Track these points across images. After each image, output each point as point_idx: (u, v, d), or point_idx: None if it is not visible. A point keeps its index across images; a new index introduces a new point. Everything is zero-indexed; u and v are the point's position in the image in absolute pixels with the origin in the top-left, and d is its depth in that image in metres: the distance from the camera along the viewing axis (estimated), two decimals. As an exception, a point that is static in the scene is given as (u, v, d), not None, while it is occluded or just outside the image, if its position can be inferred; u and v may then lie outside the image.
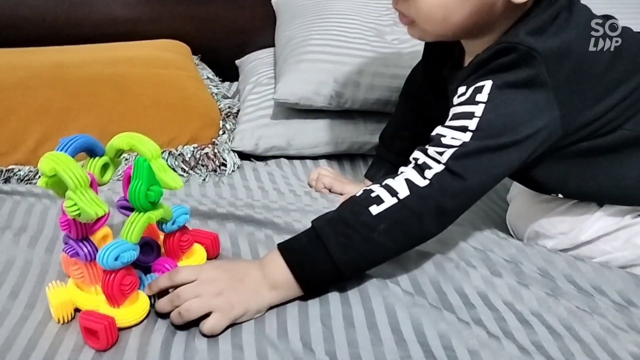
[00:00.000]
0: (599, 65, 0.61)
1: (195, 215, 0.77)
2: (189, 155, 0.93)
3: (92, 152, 0.63)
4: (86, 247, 0.58)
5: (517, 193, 0.82)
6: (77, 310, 0.60)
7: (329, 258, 0.56)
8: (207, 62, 1.33)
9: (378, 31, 1.05)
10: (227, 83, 1.30)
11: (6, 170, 0.89)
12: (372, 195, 0.59)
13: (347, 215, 0.58)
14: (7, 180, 0.88)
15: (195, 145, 0.96)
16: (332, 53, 0.98)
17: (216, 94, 1.14)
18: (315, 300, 0.60)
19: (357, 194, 0.60)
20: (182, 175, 0.92)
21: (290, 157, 0.98)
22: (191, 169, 0.92)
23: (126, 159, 0.91)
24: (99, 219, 0.59)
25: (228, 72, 1.32)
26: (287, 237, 0.72)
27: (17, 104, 0.95)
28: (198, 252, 0.67)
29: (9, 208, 0.81)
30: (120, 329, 0.57)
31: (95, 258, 0.57)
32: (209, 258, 0.68)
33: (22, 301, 0.61)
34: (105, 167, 0.64)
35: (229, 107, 1.07)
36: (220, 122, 1.02)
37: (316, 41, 1.02)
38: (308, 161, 0.98)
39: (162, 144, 0.93)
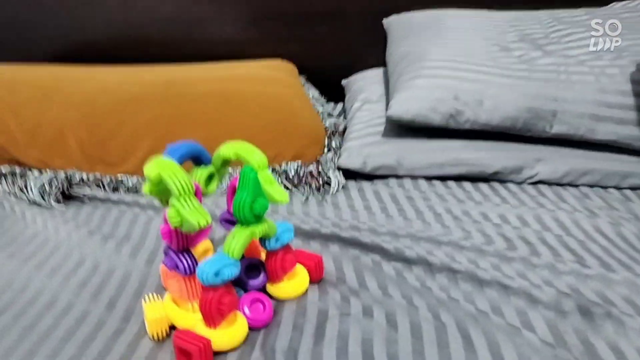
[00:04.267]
0: None
1: (297, 235, 0.72)
2: (293, 173, 0.89)
3: (198, 160, 0.59)
4: (186, 260, 0.54)
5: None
6: (172, 327, 0.56)
7: None
8: (313, 82, 1.31)
9: (503, 47, 0.96)
10: (331, 103, 1.26)
11: (115, 180, 0.89)
12: None
13: None
14: (115, 189, 0.89)
15: (299, 162, 0.92)
16: (453, 68, 0.90)
17: (321, 112, 1.10)
18: (432, 341, 0.52)
19: None
20: (285, 193, 0.87)
21: (399, 177, 0.91)
22: (294, 187, 0.88)
23: (230, 174, 0.88)
24: (201, 231, 0.55)
25: (333, 93, 1.29)
26: (397, 264, 0.65)
27: (128, 118, 0.97)
28: (300, 275, 0.61)
29: (114, 217, 0.81)
30: (216, 353, 0.52)
31: (194, 272, 0.53)
32: (311, 282, 0.62)
33: (118, 313, 0.58)
34: (210, 178, 0.60)
35: (334, 125, 1.02)
36: (325, 139, 0.97)
37: (435, 55, 0.94)
38: (421, 181, 0.89)
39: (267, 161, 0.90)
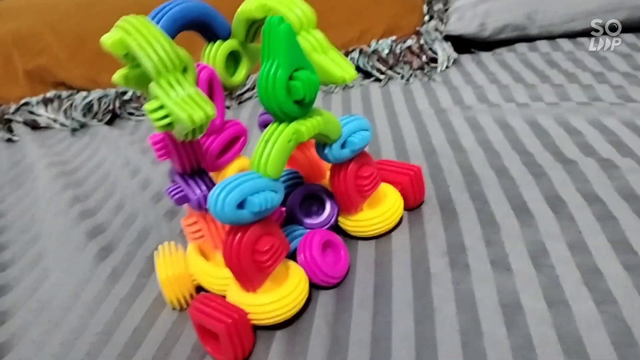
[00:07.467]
0: None
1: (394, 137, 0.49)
2: (386, 52, 0.64)
3: (208, 30, 0.37)
4: (199, 187, 0.34)
5: None
6: (200, 289, 0.37)
7: None
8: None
9: None
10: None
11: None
12: None
13: None
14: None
15: (394, 37, 0.66)
16: None
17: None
18: None
19: None
20: (379, 79, 0.63)
21: (532, 39, 0.62)
22: (390, 69, 0.63)
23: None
24: (222, 139, 0.34)
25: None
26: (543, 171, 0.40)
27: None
28: (389, 197, 0.39)
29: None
30: (257, 328, 0.32)
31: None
32: (408, 207, 0.39)
33: (131, 275, 0.41)
34: (234, 58, 0.39)
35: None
36: (424, 4, 0.70)
37: None
38: (563, 41, 0.60)
39: (350, 41, 0.67)
